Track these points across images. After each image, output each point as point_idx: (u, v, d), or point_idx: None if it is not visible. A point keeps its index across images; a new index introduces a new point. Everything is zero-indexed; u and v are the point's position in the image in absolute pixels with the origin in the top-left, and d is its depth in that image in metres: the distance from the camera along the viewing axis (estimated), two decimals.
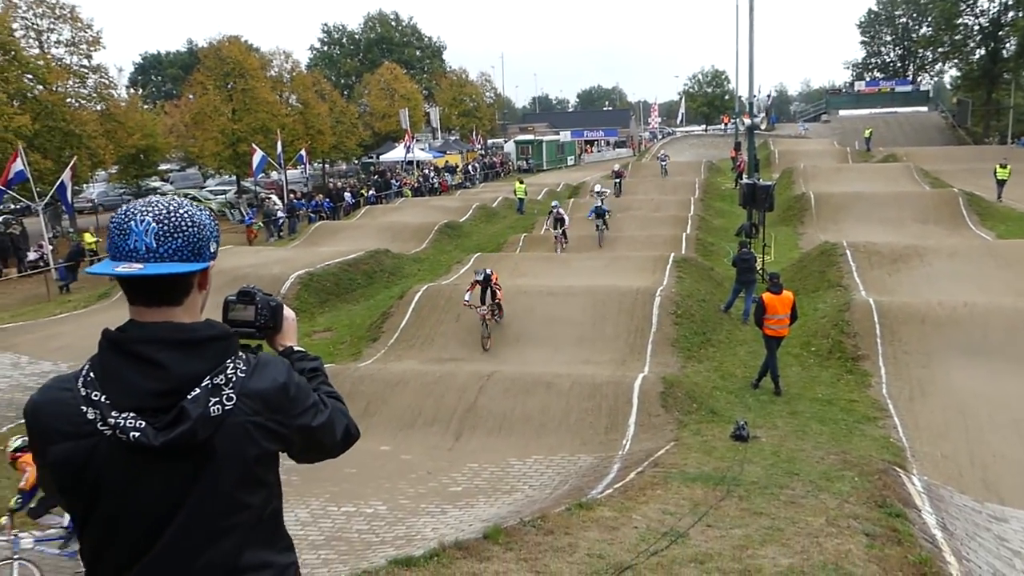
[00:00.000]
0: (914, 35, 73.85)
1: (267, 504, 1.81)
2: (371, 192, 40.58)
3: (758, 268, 17.44)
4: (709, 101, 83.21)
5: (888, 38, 78.29)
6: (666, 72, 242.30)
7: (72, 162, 26.59)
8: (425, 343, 15.13)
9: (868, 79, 75.15)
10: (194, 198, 41.57)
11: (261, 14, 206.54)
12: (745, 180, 22.32)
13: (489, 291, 14.88)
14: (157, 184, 46.61)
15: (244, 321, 2.00)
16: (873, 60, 78.79)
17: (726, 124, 67.09)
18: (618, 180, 35.10)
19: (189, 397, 1.66)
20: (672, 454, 9.64)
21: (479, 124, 69.09)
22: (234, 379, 1.71)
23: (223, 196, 43.38)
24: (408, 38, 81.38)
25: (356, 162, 60.44)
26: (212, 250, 1.77)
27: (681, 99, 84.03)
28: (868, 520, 6.82)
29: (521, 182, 36.06)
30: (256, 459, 1.75)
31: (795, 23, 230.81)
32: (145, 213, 1.69)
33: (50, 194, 25.20)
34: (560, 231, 23.28)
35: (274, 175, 42.62)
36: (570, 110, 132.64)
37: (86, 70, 34.03)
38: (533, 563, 5.72)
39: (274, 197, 36.07)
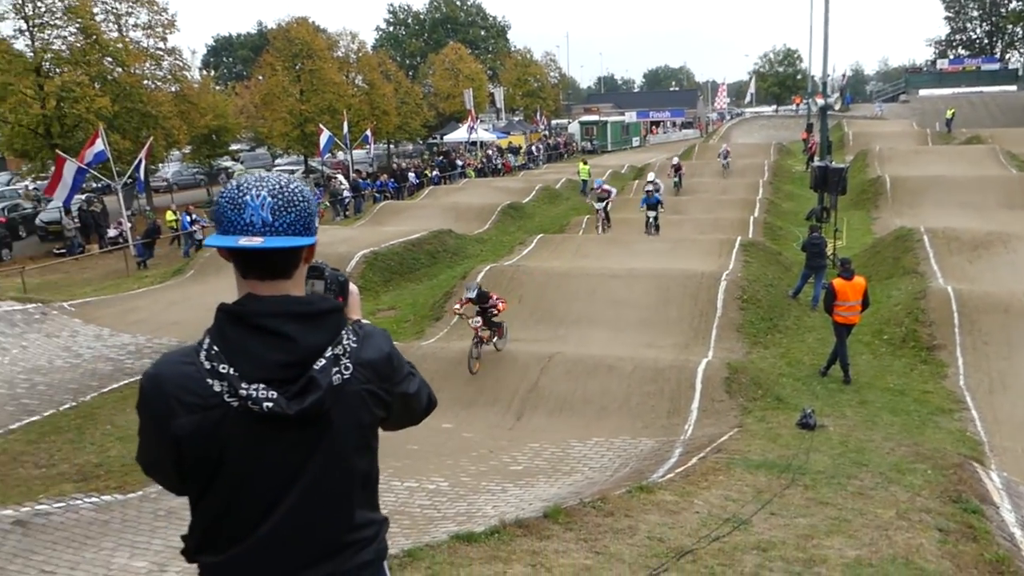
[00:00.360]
0: (1003, 10, 70.26)
1: (372, 467, 1.90)
2: (435, 172, 40.90)
3: (829, 253, 16.98)
4: (780, 81, 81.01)
5: (975, 13, 74.74)
6: (735, 51, 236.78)
7: (148, 142, 27.54)
8: None
9: (952, 57, 71.96)
10: None
11: None
12: (817, 162, 21.68)
13: (486, 312, 12.56)
14: (228, 164, 47.88)
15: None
16: (958, 37, 75.42)
17: (797, 105, 65.25)
18: (678, 175, 31.41)
19: (316, 367, 1.71)
20: (735, 440, 9.53)
21: (543, 104, 68.73)
22: (349, 349, 1.78)
23: (291, 176, 44.30)
24: (473, 18, 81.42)
25: (420, 142, 60.95)
26: (316, 225, 1.82)
27: (751, 79, 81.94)
28: (941, 515, 6.63)
29: (585, 163, 35.85)
30: (368, 425, 1.84)
31: None
32: (260, 188, 1.73)
33: (128, 173, 26.15)
34: (603, 207, 22.33)
35: (340, 155, 43.35)
36: (636, 90, 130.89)
37: (162, 52, 35.06)
38: (593, 543, 5.76)
39: (340, 177, 36.68)
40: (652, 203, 22.29)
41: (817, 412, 10.20)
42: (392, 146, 58.85)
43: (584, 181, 34.21)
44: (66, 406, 12.34)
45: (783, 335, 14.40)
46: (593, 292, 15.74)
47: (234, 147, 47.60)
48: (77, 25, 31.06)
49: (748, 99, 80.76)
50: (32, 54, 30.43)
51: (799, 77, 78.22)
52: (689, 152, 45.15)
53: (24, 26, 30.24)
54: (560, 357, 12.50)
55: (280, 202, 1.73)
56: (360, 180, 36.55)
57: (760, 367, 12.49)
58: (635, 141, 64.65)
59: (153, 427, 1.74)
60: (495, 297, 12.57)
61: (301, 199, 1.77)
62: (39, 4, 30.18)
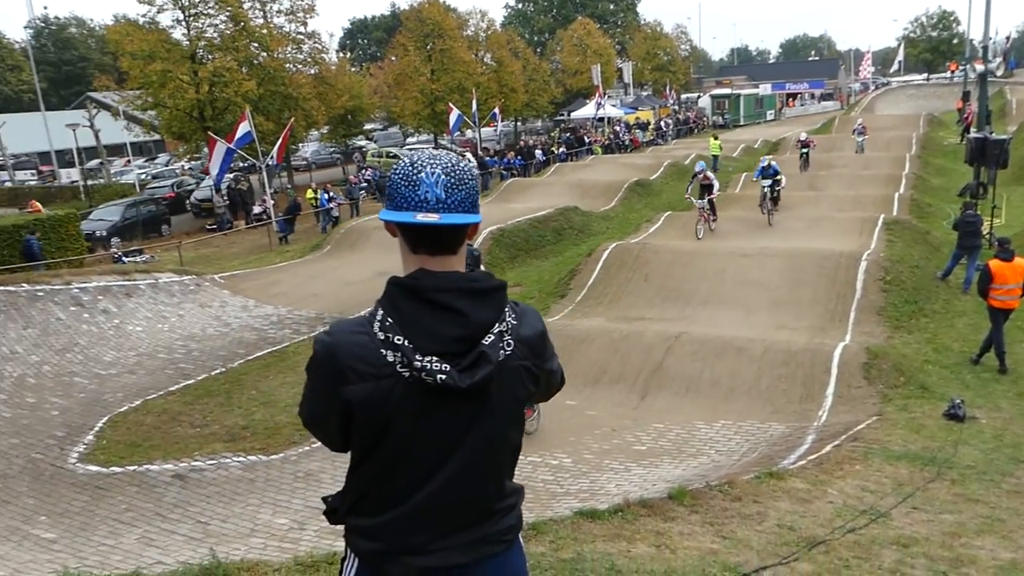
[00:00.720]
0: None
1: (520, 439, 1.97)
2: (561, 150, 40.80)
3: (984, 232, 15.70)
4: (933, 47, 75.22)
5: None
6: (882, 16, 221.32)
7: (290, 123, 28.93)
8: (612, 301, 15.13)
9: None
10: (395, 156, 43.98)
11: None
12: (974, 134, 20.00)
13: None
14: (362, 143, 49.64)
15: None
16: None
17: (952, 72, 60.37)
18: (805, 151, 28.10)
19: (485, 343, 1.77)
20: (874, 429, 9.04)
21: (673, 78, 66.97)
22: (510, 326, 1.83)
23: None
24: None
25: (547, 119, 60.90)
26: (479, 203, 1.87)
27: (899, 45, 76.52)
28: None
29: (715, 138, 34.71)
30: (523, 400, 1.91)
31: None
32: (435, 165, 1.77)
33: (271, 154, 27.60)
34: (706, 201, 18.88)
35: (469, 133, 43.99)
36: (771, 61, 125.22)
37: (302, 36, 36.61)
38: (719, 528, 5.63)
39: (468, 155, 37.25)
40: (771, 173, 19.97)
41: (967, 403, 9.52)
42: (519, 123, 59.13)
43: (715, 157, 33.17)
44: (216, 371, 13.28)
45: (929, 320, 13.48)
46: (722, 271, 15.29)
47: (368, 126, 49.27)
48: (227, 13, 32.91)
49: (896, 67, 75.51)
50: (188, 42, 32.56)
51: (955, 42, 72.39)
52: (828, 125, 42.84)
53: (181, 16, 32.38)
54: (687, 337, 12.25)
55: (453, 180, 1.77)
56: (487, 158, 36.98)
57: (903, 353, 11.76)
58: (769, 114, 61.98)
59: (324, 391, 1.82)
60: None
61: (470, 177, 1.82)
62: None
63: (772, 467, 7.59)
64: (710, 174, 19.29)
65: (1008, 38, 71.10)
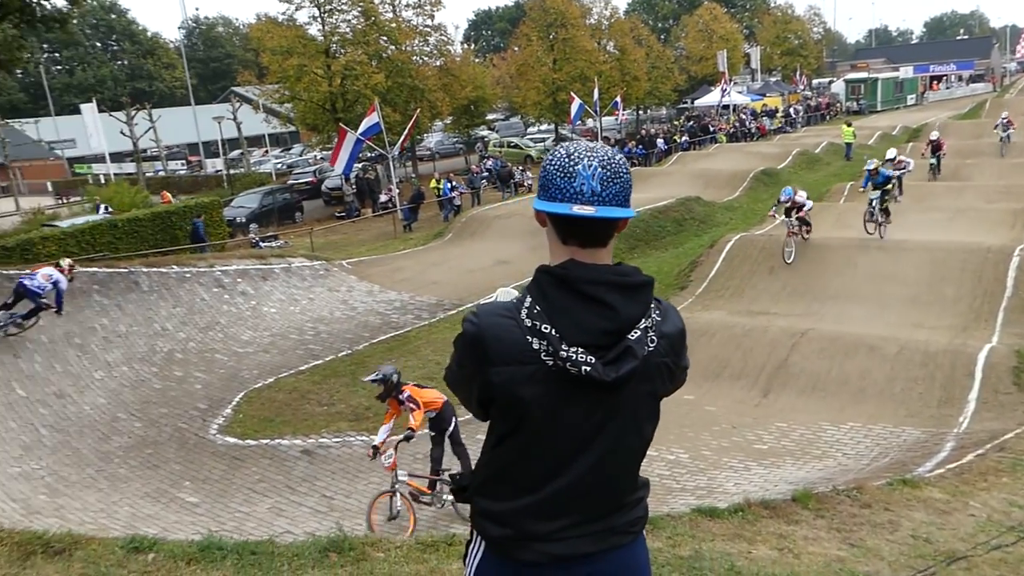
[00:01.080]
0: None
1: (653, 434, 1.95)
2: (684, 138, 39.85)
3: None
4: None
5: None
6: None
7: (416, 114, 29.62)
8: (735, 294, 14.65)
9: None
10: (516, 145, 44.28)
11: None
12: None
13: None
14: (484, 133, 50.22)
15: None
16: None
17: None
18: (936, 155, 23.63)
19: (631, 338, 1.77)
20: None
21: (804, 63, 63.92)
22: (655, 323, 1.82)
23: (542, 144, 45.53)
24: None
25: (669, 107, 59.60)
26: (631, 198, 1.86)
27: None
28: None
29: (848, 125, 32.89)
30: (660, 395, 1.90)
31: None
32: (591, 158, 1.77)
33: (398, 144, 28.36)
34: (794, 219, 15.13)
35: (589, 122, 43.70)
36: (913, 42, 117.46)
37: (429, 29, 37.35)
38: (847, 535, 5.33)
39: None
40: (881, 180, 16.05)
41: None
42: (641, 112, 58.19)
43: (848, 144, 31.47)
44: (343, 353, 13.83)
45: None
46: (854, 265, 14.49)
47: (489, 117, 49.78)
48: (359, 9, 34.05)
49: None
50: (322, 38, 33.92)
51: None
52: (977, 110, 39.77)
53: (317, 13, 33.78)
54: (814, 333, 11.69)
55: (609, 173, 1.76)
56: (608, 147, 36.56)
57: None
58: (910, 99, 58.13)
59: (469, 370, 1.86)
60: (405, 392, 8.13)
61: (625, 171, 1.81)
62: None
63: (906, 474, 7.12)
64: (800, 197, 15.57)
65: None
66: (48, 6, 15.22)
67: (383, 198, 29.86)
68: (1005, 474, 7.10)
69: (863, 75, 59.17)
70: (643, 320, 1.78)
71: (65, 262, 12.87)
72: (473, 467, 2.04)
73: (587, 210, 1.73)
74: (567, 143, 1.87)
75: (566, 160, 1.78)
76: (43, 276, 12.18)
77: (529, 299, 1.80)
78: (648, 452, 2.03)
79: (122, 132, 40.43)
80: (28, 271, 12.58)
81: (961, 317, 12.63)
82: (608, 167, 1.76)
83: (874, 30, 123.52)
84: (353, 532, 5.63)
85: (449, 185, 27.89)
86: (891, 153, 19.69)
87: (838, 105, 55.57)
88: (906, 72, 61.17)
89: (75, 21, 17.44)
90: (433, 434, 8.24)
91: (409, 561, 4.70)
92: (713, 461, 8.92)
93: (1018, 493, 6.63)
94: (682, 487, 8.05)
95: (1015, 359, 10.29)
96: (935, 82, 63.44)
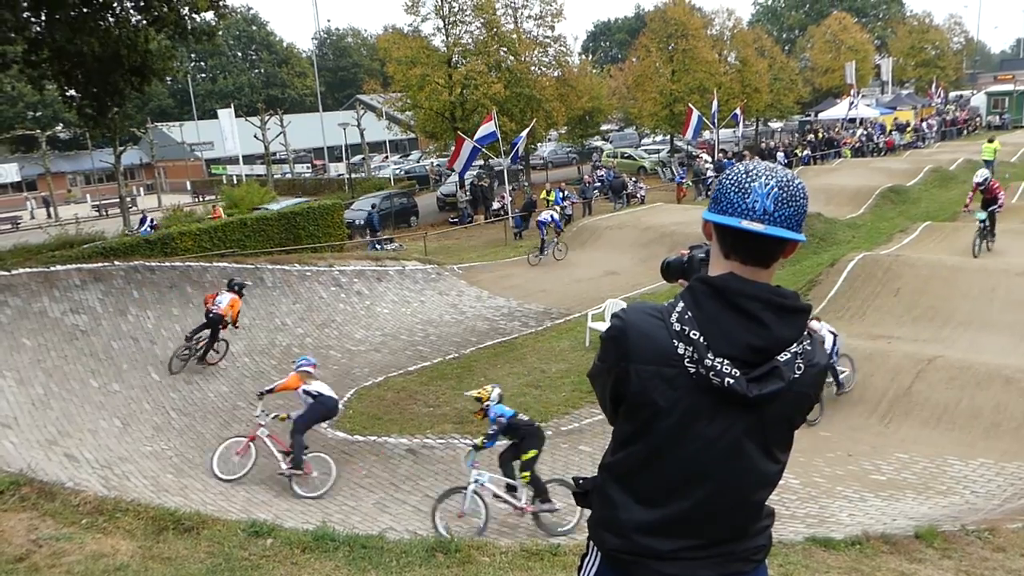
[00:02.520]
0: None
1: (786, 463, 1.90)
2: (806, 152, 38.35)
3: None
4: None
5: None
6: None
7: (531, 124, 29.81)
8: (855, 316, 13.90)
9: None
10: (629, 156, 43.85)
11: None
12: None
13: None
14: (598, 143, 50.00)
15: (699, 260, 2.04)
16: None
17: None
18: (987, 213, 16.65)
19: (781, 359, 1.74)
20: None
21: (940, 74, 60.23)
22: (804, 352, 1.78)
23: (656, 155, 44.89)
24: None
25: (790, 119, 57.48)
26: (805, 224, 1.83)
27: None
28: None
29: (991, 141, 30.67)
30: (795, 425, 1.86)
31: None
32: (769, 177, 1.75)
33: (511, 155, 28.62)
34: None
35: (706, 134, 42.78)
36: None
37: (549, 40, 37.55)
38: None
39: (704, 156, 36.16)
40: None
41: None
42: (762, 124, 56.46)
43: (987, 161, 29.37)
44: (450, 356, 14.03)
45: None
46: (991, 290, 13.47)
47: (604, 127, 49.53)
48: (482, 20, 34.67)
49: None
50: (445, 48, 34.75)
51: None
52: None
53: (441, 24, 34.65)
54: (942, 361, 10.93)
55: (784, 194, 1.74)
56: (724, 160, 35.66)
57: None
58: None
59: (609, 363, 1.86)
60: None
61: (802, 196, 1.78)
62: (453, 4, 34.29)
63: None
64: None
65: None
66: (199, 19, 16.27)
67: (496, 205, 30.20)
68: None
69: (1007, 87, 55.15)
70: (795, 345, 1.75)
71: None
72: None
73: (756, 226, 1.71)
74: (747, 162, 1.85)
75: (743, 176, 1.76)
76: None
77: (681, 304, 1.79)
78: None
79: (255, 136, 42.81)
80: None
81: None
82: (785, 188, 1.74)
83: (1022, 40, 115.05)
84: (458, 534, 5.68)
85: (561, 195, 27.91)
86: (980, 176, 17.19)
87: (978, 119, 52.02)
88: None
89: (220, 33, 18.53)
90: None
91: (514, 568, 4.68)
92: (826, 489, 8.48)
93: None
94: (792, 514, 7.68)
95: None
96: None
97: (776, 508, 6.24)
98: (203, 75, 75.81)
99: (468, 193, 32.33)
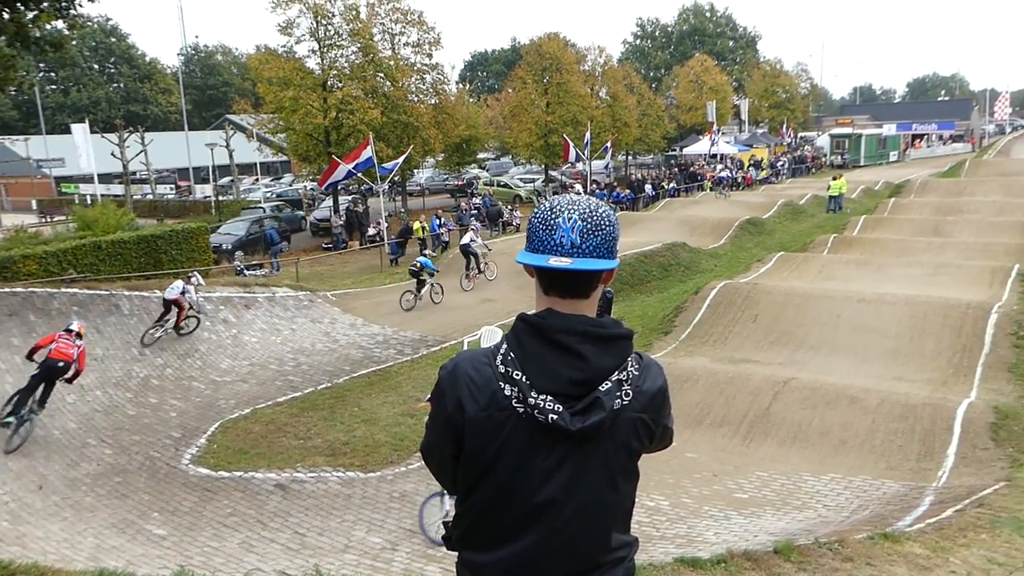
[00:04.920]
0: None
1: (632, 493, 1.93)
2: (672, 185, 40.24)
3: None
4: None
5: None
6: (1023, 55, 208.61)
7: (408, 150, 29.73)
8: (718, 341, 14.63)
9: None
10: (505, 185, 44.51)
11: (581, 12, 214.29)
12: None
13: None
14: (475, 171, 50.50)
15: None
16: None
17: None
18: None
19: (601, 389, 1.77)
20: (1003, 496, 8.25)
21: (790, 116, 65.07)
22: (631, 377, 1.81)
23: (531, 184, 45.81)
24: (722, 29, 79.33)
25: (658, 154, 60.30)
26: (617, 248, 1.88)
27: None
28: None
29: (835, 178, 33.25)
30: (635, 451, 1.88)
31: None
32: (572, 211, 1.80)
33: (388, 179, 28.40)
34: None
35: (579, 165, 44.10)
36: (896, 101, 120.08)
37: (427, 68, 37.72)
38: None
39: (578, 187, 37.23)
40: None
41: None
42: (631, 157, 58.84)
43: (832, 198, 31.84)
44: (322, 386, 13.64)
45: None
46: (837, 316, 14.53)
47: (481, 155, 50.13)
48: (358, 45, 34.36)
49: None
50: (320, 71, 34.16)
51: None
52: (957, 169, 40.44)
53: (316, 47, 34.03)
54: (796, 383, 11.65)
55: (589, 225, 1.79)
56: (597, 191, 36.85)
57: None
58: (893, 155, 59.14)
59: (443, 418, 1.86)
60: None
61: (608, 224, 1.83)
62: (329, 28, 33.81)
63: (887, 528, 7.03)
64: None
65: None
66: (48, 28, 15.21)
67: (371, 231, 29.80)
68: (984, 531, 7.02)
69: (848, 130, 60.21)
70: (616, 372, 1.78)
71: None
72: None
73: (563, 262, 1.75)
74: (553, 197, 1.89)
75: (548, 213, 1.81)
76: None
77: (505, 346, 1.82)
78: None
79: (113, 154, 40.36)
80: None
81: (941, 371, 12.64)
82: (589, 220, 1.79)
83: (859, 88, 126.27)
84: (330, 574, 5.46)
85: (437, 221, 27.90)
86: None
87: (823, 159, 56.40)
88: (889, 129, 62.25)
89: (73, 43, 17.37)
90: None
91: None
92: (694, 509, 8.79)
93: (997, 551, 6.55)
94: (662, 535, 7.91)
95: (992, 415, 10.28)
96: (917, 140, 64.60)
97: (647, 530, 6.37)
98: (53, 87, 70.96)
99: (342, 218, 31.76)
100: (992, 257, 19.44)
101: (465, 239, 21.36)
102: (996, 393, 11.64)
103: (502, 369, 1.79)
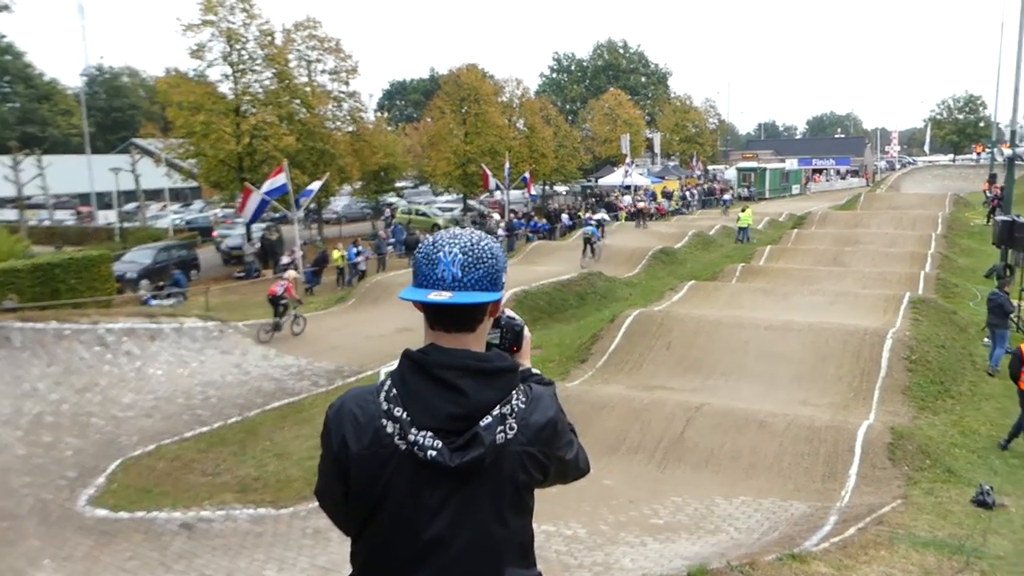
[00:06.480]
0: None
1: (525, 526, 1.91)
2: (588, 215, 40.97)
3: (1014, 316, 15.36)
4: (959, 129, 75.40)
5: None
6: (910, 97, 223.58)
7: (324, 177, 29.37)
8: (633, 368, 14.89)
9: None
10: (423, 213, 44.44)
11: (499, 44, 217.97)
12: (1002, 216, 19.78)
13: None
14: (393, 200, 50.27)
15: (490, 344, 2.08)
16: None
17: (979, 154, 60.33)
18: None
19: (482, 424, 1.77)
20: (899, 513, 8.66)
21: (700, 150, 67.57)
22: (516, 410, 1.81)
23: (450, 213, 45.87)
24: (635, 65, 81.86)
25: (573, 184, 61.36)
26: (503, 280, 1.88)
27: (926, 126, 76.84)
28: None
29: (743, 210, 34.67)
30: (524, 485, 1.86)
31: None
32: (453, 245, 1.82)
33: (304, 207, 27.89)
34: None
35: (497, 195, 44.50)
36: (798, 137, 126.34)
37: (344, 95, 37.50)
38: None
39: (496, 216, 37.51)
40: None
41: (996, 490, 9.13)
42: (548, 188, 59.73)
43: (740, 229, 33.11)
44: (233, 420, 13.16)
45: (956, 401, 13.09)
46: (746, 343, 15.02)
47: (399, 184, 49.97)
48: (273, 71, 33.85)
49: (926, 146, 75.78)
50: (233, 96, 33.45)
51: (981, 125, 72.54)
52: (853, 202, 42.77)
53: (229, 71, 33.34)
54: (708, 408, 11.95)
55: (470, 259, 1.81)
56: (515, 220, 37.22)
57: (928, 435, 11.37)
58: (795, 189, 62.07)
59: (330, 458, 1.85)
60: None
61: (490, 256, 1.84)
62: (243, 52, 33.19)
63: (794, 548, 7.25)
64: None
65: None
66: None
67: (286, 260, 29.14)
68: (883, 547, 7.34)
69: (753, 164, 62.91)
70: (498, 406, 1.78)
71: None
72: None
73: (443, 296, 1.76)
74: (437, 232, 1.91)
75: (431, 248, 1.83)
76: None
77: (389, 382, 1.82)
78: (546, 528, 1.97)
79: (5, 177, 38.31)
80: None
81: (842, 395, 13.21)
82: (470, 253, 1.80)
83: (763, 124, 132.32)
84: None
85: (355, 250, 27.56)
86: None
87: (731, 191, 58.66)
88: (791, 164, 65.44)
89: None
90: None
91: None
92: (611, 536, 8.85)
93: (895, 566, 6.86)
94: (580, 563, 7.92)
95: (889, 435, 10.79)
96: (816, 174, 68.03)
97: (566, 559, 6.38)
98: None
99: (256, 246, 31.00)
100: (886, 285, 20.54)
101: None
102: (892, 415, 12.25)
103: (385, 406, 1.79)
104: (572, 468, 2.00)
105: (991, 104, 64.07)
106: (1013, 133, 27.97)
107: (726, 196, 51.03)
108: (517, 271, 24.67)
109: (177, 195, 58.79)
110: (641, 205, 43.66)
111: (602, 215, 34.64)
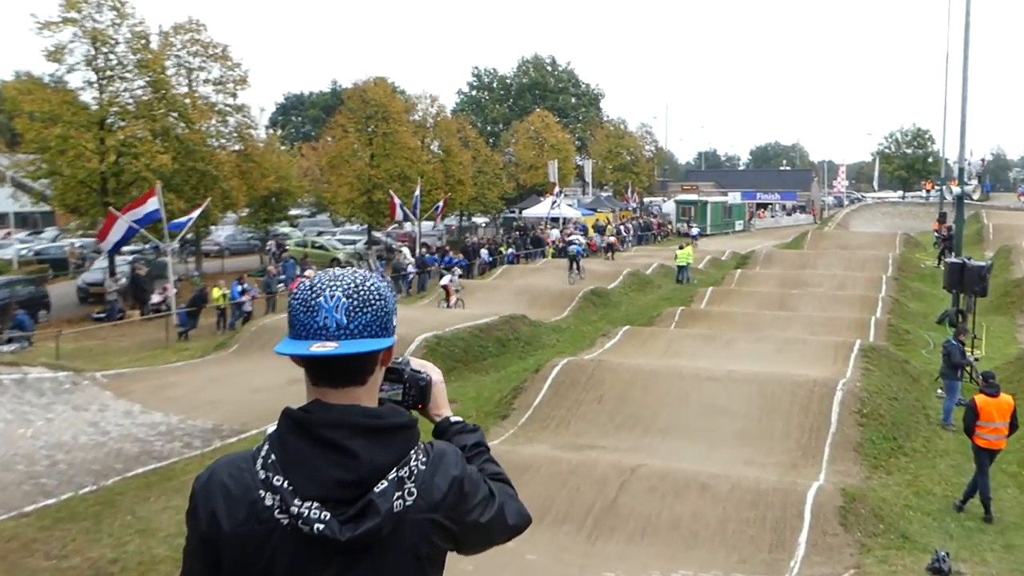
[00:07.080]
0: None
1: None
2: (510, 251, 41.36)
3: (967, 367, 16.20)
4: (908, 164, 79.98)
5: None
6: (857, 129, 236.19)
7: (205, 203, 28.78)
8: (560, 425, 14.94)
9: None
10: (321, 246, 43.95)
11: (411, 56, 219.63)
12: (952, 259, 20.96)
13: None
14: (286, 229, 49.59)
15: (391, 401, 2.04)
16: None
17: (928, 191, 64.02)
18: None
19: (376, 490, 1.72)
20: None
21: (635, 180, 69.28)
22: (416, 473, 1.78)
23: (352, 246, 45.46)
24: (564, 84, 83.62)
25: (495, 215, 61.91)
26: (395, 324, 1.86)
27: (875, 160, 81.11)
28: None
29: (681, 247, 35.66)
30: (429, 559, 1.82)
31: (1020, 76, 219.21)
32: (334, 288, 1.77)
33: (179, 237, 27.25)
34: None
35: (407, 227, 44.41)
36: (741, 168, 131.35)
37: (230, 109, 36.92)
38: None
39: (406, 251, 37.44)
40: None
41: (952, 555, 9.55)
42: (465, 219, 60.05)
43: (680, 268, 33.98)
44: (86, 489, 12.53)
45: (910, 459, 13.66)
46: (686, 396, 15.31)
47: (293, 212, 49.39)
48: (147, 79, 33.10)
49: (875, 182, 79.92)
50: (97, 107, 32.50)
51: (930, 160, 77.03)
52: (800, 240, 44.57)
53: (94, 78, 32.40)
54: (645, 470, 12.07)
55: (355, 302, 1.77)
56: (427, 255, 37.20)
57: (882, 496, 11.79)
58: (738, 225, 64.29)
59: (196, 539, 1.77)
60: None
61: (378, 297, 1.81)
62: (111, 56, 32.37)
63: None
64: None
65: (983, 160, 76.03)
66: None
67: (156, 299, 28.24)
68: None
69: (693, 197, 64.98)
70: (395, 469, 1.74)
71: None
72: None
73: (328, 347, 1.72)
74: (315, 275, 1.88)
75: (309, 293, 1.78)
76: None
77: (267, 447, 1.76)
78: None
79: None
80: None
81: (790, 453, 13.57)
82: (355, 296, 1.77)
83: (704, 153, 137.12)
84: None
85: (239, 288, 26.96)
86: None
87: (669, 226, 60.25)
88: (734, 197, 67.97)
89: None
90: None
91: None
92: None
93: None
94: None
95: (841, 498, 11.12)
96: (761, 210, 70.76)
97: None
98: None
99: (121, 282, 29.97)
100: (835, 332, 21.37)
101: None
102: (843, 475, 12.64)
103: (262, 475, 1.74)
104: (497, 529, 1.97)
105: (939, 139, 67.88)
106: (961, 171, 29.82)
107: (694, 231, 52.51)
108: (429, 313, 24.60)
109: (24, 220, 56.43)
110: (612, 239, 44.39)
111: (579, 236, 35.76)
